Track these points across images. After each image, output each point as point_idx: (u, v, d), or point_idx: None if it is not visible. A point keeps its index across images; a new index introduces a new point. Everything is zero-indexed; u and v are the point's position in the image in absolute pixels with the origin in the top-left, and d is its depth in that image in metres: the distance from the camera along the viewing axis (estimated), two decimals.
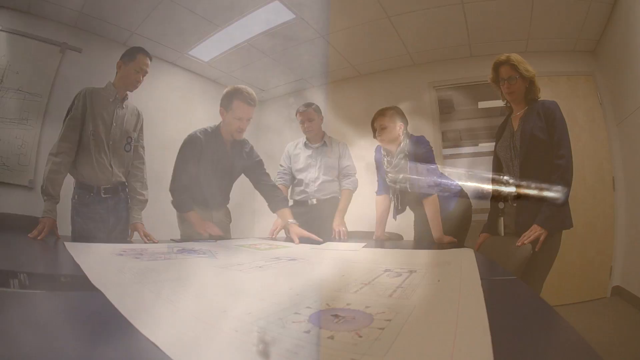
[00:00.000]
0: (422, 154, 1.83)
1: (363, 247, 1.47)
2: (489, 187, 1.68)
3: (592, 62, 2.87)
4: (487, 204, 1.76)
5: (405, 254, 1.37)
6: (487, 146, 2.89)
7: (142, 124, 1.83)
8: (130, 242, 1.60)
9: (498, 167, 1.71)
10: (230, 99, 1.73)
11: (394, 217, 2.00)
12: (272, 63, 3.25)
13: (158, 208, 1.85)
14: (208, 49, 3.13)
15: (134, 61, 1.67)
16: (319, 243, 1.61)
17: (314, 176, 2.21)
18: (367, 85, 3.44)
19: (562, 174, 1.46)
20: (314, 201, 2.20)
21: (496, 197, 1.68)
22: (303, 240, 1.65)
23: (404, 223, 2.02)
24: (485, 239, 1.69)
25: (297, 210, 2.04)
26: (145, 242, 1.54)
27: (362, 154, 2.29)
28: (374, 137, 1.91)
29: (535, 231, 1.43)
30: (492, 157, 1.78)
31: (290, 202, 2.17)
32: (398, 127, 1.85)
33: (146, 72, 1.71)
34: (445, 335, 0.46)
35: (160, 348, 0.42)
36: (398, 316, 0.53)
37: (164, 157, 1.98)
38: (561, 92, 2.81)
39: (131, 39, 2.78)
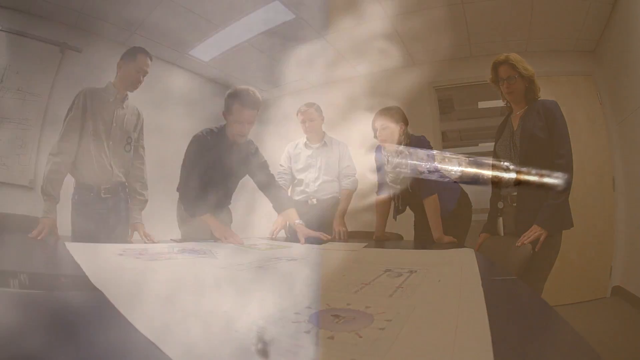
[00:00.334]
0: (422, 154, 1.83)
1: (363, 247, 1.48)
2: (488, 172, 1.64)
3: (592, 62, 2.86)
4: (487, 204, 1.76)
5: (406, 254, 1.37)
6: (487, 146, 2.87)
7: (142, 124, 1.82)
8: (131, 242, 1.60)
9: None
10: (231, 102, 1.68)
11: (394, 217, 2.00)
12: (272, 63, 3.25)
13: (158, 208, 1.85)
14: (208, 49, 3.11)
15: (134, 61, 1.66)
16: (326, 241, 1.62)
17: (314, 176, 2.21)
18: (367, 85, 3.44)
19: (562, 174, 1.46)
20: (314, 201, 2.20)
21: (496, 195, 1.68)
22: (309, 239, 1.64)
23: (404, 223, 2.02)
24: (485, 239, 1.68)
25: (297, 210, 2.03)
26: (146, 242, 1.54)
27: (362, 154, 2.28)
28: (375, 137, 1.91)
29: (535, 231, 1.43)
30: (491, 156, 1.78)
31: None
32: (398, 127, 1.85)
33: (146, 72, 1.70)
34: (445, 336, 0.46)
35: (160, 348, 0.42)
36: (398, 316, 0.53)
37: (164, 157, 1.98)
38: (561, 92, 2.80)
39: (131, 39, 2.77)
